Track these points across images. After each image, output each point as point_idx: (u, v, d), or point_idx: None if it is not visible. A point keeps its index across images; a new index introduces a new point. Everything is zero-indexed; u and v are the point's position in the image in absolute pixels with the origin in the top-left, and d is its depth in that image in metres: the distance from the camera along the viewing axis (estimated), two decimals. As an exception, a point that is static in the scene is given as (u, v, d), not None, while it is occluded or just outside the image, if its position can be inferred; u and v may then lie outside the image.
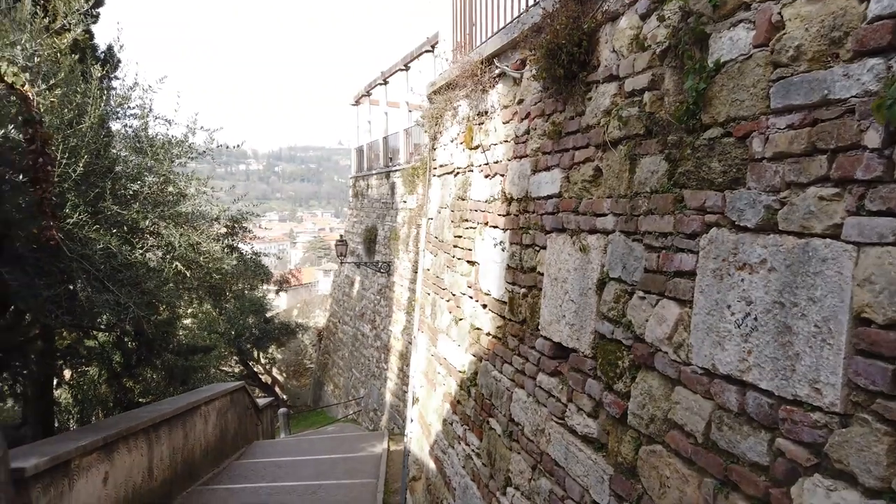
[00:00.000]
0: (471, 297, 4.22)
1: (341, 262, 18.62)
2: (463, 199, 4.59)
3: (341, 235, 18.24)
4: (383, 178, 18.98)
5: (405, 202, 16.83)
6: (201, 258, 6.81)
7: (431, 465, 4.83)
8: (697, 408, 2.02)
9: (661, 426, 2.21)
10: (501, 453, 3.46)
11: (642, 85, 2.49)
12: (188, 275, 6.87)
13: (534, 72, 3.36)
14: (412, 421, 5.85)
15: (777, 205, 1.75)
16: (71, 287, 5.69)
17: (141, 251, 6.32)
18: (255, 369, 23.46)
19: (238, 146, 7.63)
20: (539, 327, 3.18)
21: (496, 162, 3.95)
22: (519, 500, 3.21)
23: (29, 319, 7.47)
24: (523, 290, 3.43)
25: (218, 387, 10.90)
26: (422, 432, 5.31)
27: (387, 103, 21.34)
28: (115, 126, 6.98)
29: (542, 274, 3.22)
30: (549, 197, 3.21)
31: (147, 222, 6.51)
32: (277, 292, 22.77)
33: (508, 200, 3.73)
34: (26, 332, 7.06)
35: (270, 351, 23.68)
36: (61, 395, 11.60)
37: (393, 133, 19.96)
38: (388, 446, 10.58)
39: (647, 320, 2.33)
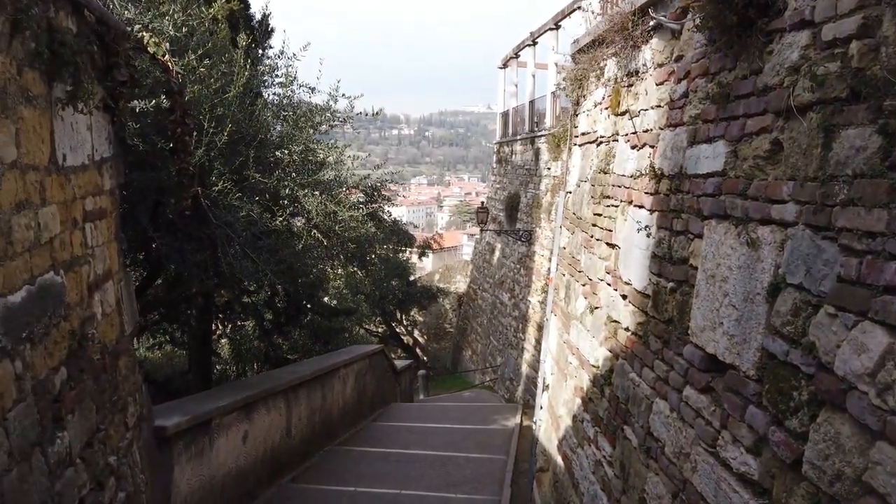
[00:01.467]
0: (609, 285, 3.74)
1: (482, 230, 18.46)
2: (605, 173, 4.08)
3: (482, 202, 18.04)
4: (528, 144, 18.42)
5: (549, 169, 16.20)
6: (337, 226, 6.84)
7: (559, 460, 4.46)
8: (912, 478, 1.47)
9: (852, 488, 1.67)
10: (636, 469, 3.01)
11: (848, 32, 1.87)
12: (325, 243, 6.94)
13: (697, 21, 2.76)
14: (541, 408, 5.51)
15: None
16: (216, 253, 5.91)
17: (280, 219, 6.44)
18: (398, 330, 24.26)
19: (376, 114, 7.53)
20: (689, 332, 2.66)
21: (645, 130, 3.40)
22: (655, 528, 2.77)
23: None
24: (671, 285, 2.91)
25: (357, 349, 11.23)
26: (550, 423, 4.95)
27: (535, 65, 20.59)
28: (261, 95, 7.14)
29: (696, 268, 2.68)
30: (710, 175, 2.64)
31: (287, 190, 6.62)
32: (420, 256, 23.23)
33: (658, 177, 3.19)
34: (187, 289, 7.55)
35: (412, 313, 24.36)
36: (222, 347, 12.61)
37: (540, 96, 19.24)
38: (521, 421, 10.34)
39: (838, 346, 1.77)
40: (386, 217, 9.06)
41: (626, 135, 3.71)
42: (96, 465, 3.33)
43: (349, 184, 7.94)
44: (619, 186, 3.72)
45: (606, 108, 4.12)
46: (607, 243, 3.87)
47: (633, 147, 3.59)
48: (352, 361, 9.55)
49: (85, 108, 3.38)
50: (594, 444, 3.68)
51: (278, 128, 7.12)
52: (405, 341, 24.30)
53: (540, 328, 15.71)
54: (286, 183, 6.64)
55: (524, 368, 16.27)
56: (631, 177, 3.54)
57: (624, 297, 3.44)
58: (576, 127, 5.07)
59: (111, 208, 4.11)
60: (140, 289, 6.63)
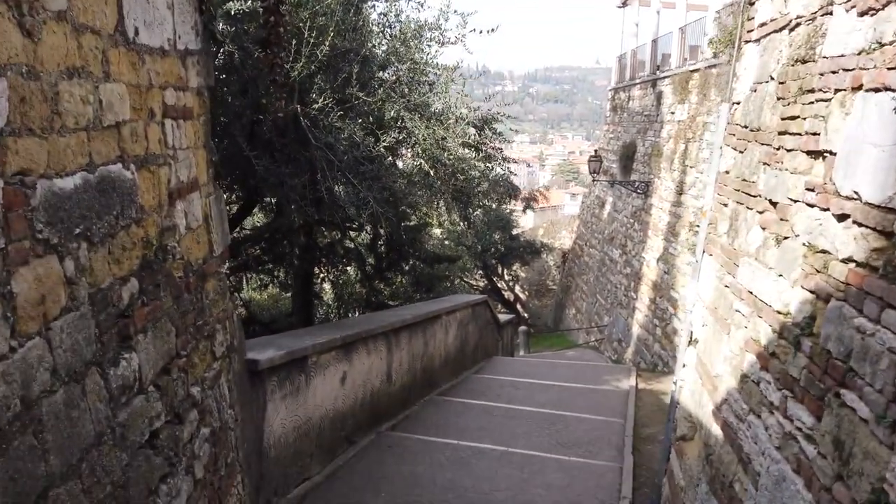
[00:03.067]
0: (811, 206, 2.80)
1: (593, 180, 17.29)
2: (805, 62, 3.08)
3: (596, 150, 16.82)
4: (648, 88, 16.88)
5: (673, 114, 14.72)
6: (446, 155, 6.15)
7: (715, 429, 3.62)
8: None
9: None
10: (866, 448, 2.15)
11: None
12: (432, 174, 6.27)
13: None
14: (684, 366, 4.63)
15: None
16: (315, 177, 5.38)
17: (384, 144, 5.82)
18: (499, 285, 23.62)
19: (491, 31, 6.68)
20: None
21: (884, -13, 2.42)
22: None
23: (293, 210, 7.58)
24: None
25: (460, 298, 10.66)
26: (701, 383, 4.08)
27: (661, 2, 18.78)
28: (366, 8, 6.47)
29: None
30: None
31: (392, 113, 5.97)
32: (524, 210, 22.30)
33: (914, 42, 2.21)
34: (287, 220, 7.18)
35: (514, 268, 23.57)
36: (325, 292, 12.45)
37: (664, 34, 17.52)
38: (636, 384, 9.44)
39: None
40: (496, 154, 8.27)
41: (847, 1, 2.72)
42: (174, 394, 2.85)
43: (458, 113, 7.20)
44: (836, 72, 2.74)
45: (807, -21, 3.10)
46: (808, 151, 2.91)
47: (859, 14, 2.60)
48: (454, 309, 8.99)
49: (164, -26, 2.83)
50: (780, 411, 2.82)
51: (384, 46, 6.45)
52: (506, 297, 23.64)
53: (656, 287, 14.54)
54: (391, 104, 5.99)
55: (635, 329, 15.19)
56: (858, 53, 2.57)
57: (842, 217, 2.51)
58: (750, 18, 4.04)
59: (199, 110, 3.59)
60: (236, 218, 6.25)
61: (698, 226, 8.68)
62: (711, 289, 4.15)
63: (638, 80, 18.11)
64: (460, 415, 7.18)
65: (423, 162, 6.23)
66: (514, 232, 22.59)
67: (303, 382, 4.78)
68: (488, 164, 7.40)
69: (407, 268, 10.31)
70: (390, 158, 6.05)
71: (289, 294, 12.12)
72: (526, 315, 23.81)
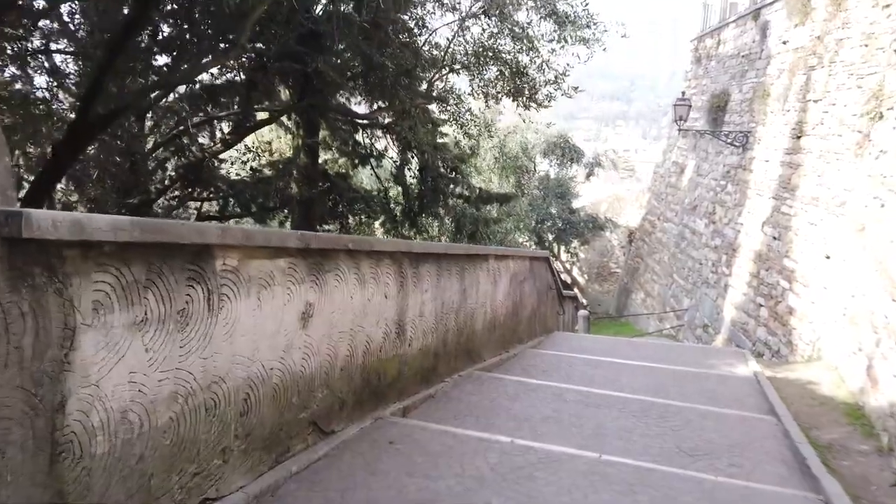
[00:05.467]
0: None
1: (679, 129, 14.38)
2: None
3: (683, 92, 13.92)
4: (747, 23, 13.92)
5: (785, 43, 11.78)
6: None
7: None
8: None
9: None
10: None
11: None
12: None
13: None
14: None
15: None
16: None
17: None
18: (555, 266, 20.86)
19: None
20: None
21: None
22: None
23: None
24: None
25: (516, 249, 8.09)
26: None
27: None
28: None
29: None
30: None
31: None
32: (588, 177, 19.48)
33: None
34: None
35: (573, 247, 20.72)
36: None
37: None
38: (761, 369, 6.70)
39: None
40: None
41: None
42: None
43: None
44: None
45: None
46: None
47: None
48: (507, 255, 6.45)
49: None
50: None
51: None
52: (563, 279, 20.84)
53: (759, 258, 11.62)
54: None
55: (728, 312, 12.32)
56: None
57: None
58: None
59: None
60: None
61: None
62: None
63: (732, 19, 15.14)
64: (515, 399, 4.65)
65: None
66: (574, 205, 19.76)
67: (200, 304, 2.34)
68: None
69: (442, 210, 7.75)
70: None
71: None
72: (585, 301, 21.00)
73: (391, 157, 7.51)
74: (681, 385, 5.72)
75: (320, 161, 9.26)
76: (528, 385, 5.02)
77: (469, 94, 7.48)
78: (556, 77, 6.44)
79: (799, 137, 10.45)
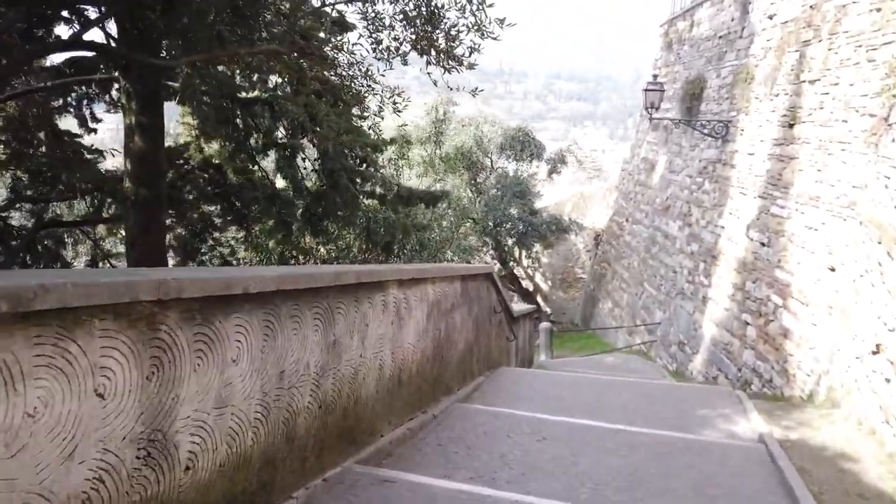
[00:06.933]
0: None
1: (650, 119, 12.72)
2: None
3: (655, 75, 12.26)
4: (724, 0, 12.35)
5: (771, 18, 10.21)
6: None
7: None
8: None
9: None
10: None
11: None
12: None
13: None
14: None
15: None
16: None
17: None
18: (516, 272, 19.11)
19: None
20: None
21: None
22: None
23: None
24: None
25: (440, 266, 6.31)
26: None
27: None
28: None
29: None
30: None
31: None
32: (550, 174, 17.78)
33: None
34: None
35: (535, 251, 18.99)
36: (245, 254, 8.11)
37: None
38: (768, 429, 4.97)
39: None
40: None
41: None
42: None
43: None
44: None
45: None
46: None
47: None
48: (422, 279, 4.60)
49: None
50: None
51: None
52: (524, 286, 19.11)
53: (744, 267, 9.99)
54: None
55: (708, 328, 10.69)
56: None
57: None
58: None
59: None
60: None
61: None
62: None
63: (707, -4, 13.55)
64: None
65: None
66: (537, 204, 18.00)
67: None
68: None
69: (349, 212, 5.78)
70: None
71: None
72: (548, 310, 19.31)
73: (281, 138, 5.59)
74: (666, 471, 3.93)
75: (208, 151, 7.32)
76: (431, 493, 3.17)
77: (358, 44, 5.62)
78: (476, 6, 4.43)
79: (791, 125, 8.82)
